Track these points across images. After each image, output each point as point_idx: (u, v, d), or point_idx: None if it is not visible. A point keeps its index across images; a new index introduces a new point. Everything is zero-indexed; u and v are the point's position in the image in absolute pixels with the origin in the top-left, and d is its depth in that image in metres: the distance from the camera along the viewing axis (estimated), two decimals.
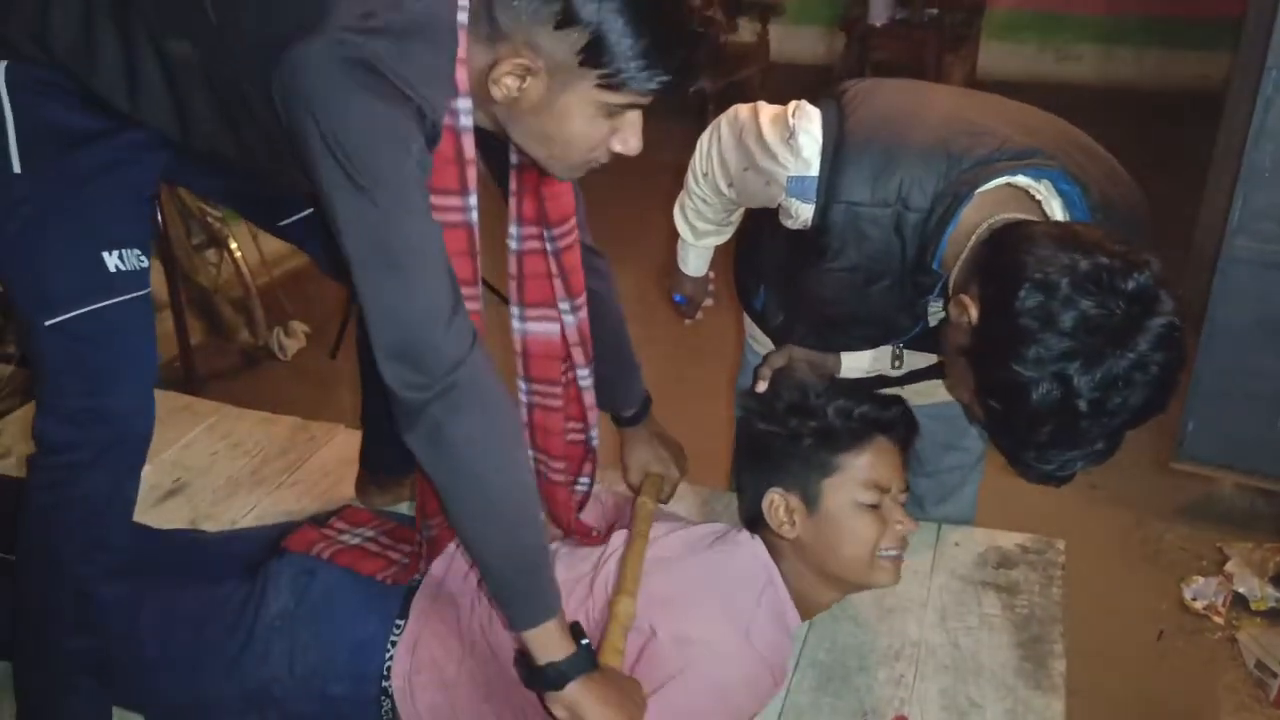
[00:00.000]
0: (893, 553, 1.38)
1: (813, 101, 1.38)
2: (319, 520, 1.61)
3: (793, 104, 1.39)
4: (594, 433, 1.55)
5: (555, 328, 1.45)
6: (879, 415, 1.41)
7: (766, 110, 1.41)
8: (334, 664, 1.40)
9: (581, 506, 1.59)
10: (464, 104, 1.15)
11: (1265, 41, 2.33)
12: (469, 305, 1.22)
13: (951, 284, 1.26)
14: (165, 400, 1.36)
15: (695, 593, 1.37)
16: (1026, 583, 1.66)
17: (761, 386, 1.52)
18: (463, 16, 1.10)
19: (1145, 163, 1.63)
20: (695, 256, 1.74)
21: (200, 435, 2.08)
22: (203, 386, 3.16)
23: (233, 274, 3.45)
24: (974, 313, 1.17)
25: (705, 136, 1.51)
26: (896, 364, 1.52)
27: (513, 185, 1.37)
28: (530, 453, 1.52)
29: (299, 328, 3.60)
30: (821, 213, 1.33)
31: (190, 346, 3.24)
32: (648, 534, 1.47)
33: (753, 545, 1.43)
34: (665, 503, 1.69)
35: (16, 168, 1.23)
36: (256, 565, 1.49)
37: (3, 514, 1.52)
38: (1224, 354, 2.52)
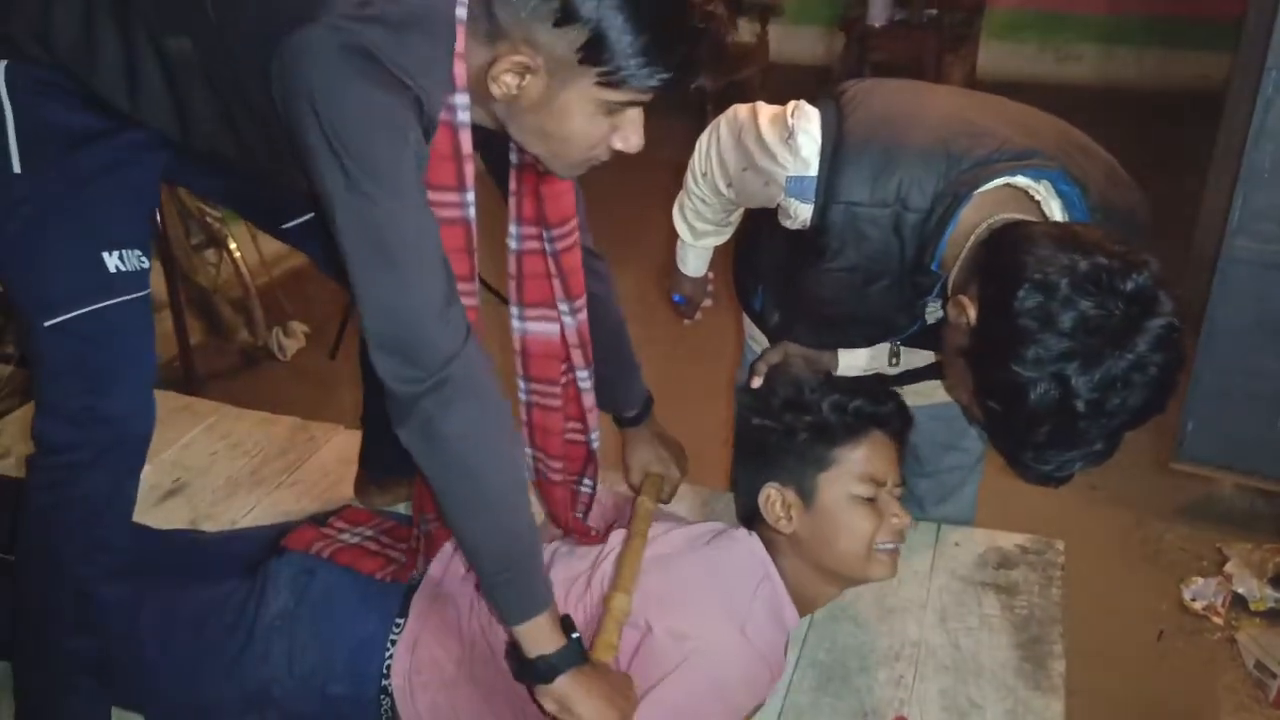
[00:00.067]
0: (889, 546, 1.39)
1: (812, 102, 1.38)
2: (319, 520, 1.61)
3: (792, 104, 1.39)
4: (595, 435, 1.55)
5: (554, 328, 1.45)
6: (874, 409, 1.42)
7: (765, 110, 1.41)
8: (334, 663, 1.40)
9: (587, 509, 1.59)
10: (461, 100, 1.14)
11: (1265, 42, 2.33)
12: (466, 302, 1.21)
13: (950, 285, 1.26)
14: (165, 400, 1.36)
15: (692, 589, 1.38)
16: (1026, 583, 1.66)
17: (756, 382, 1.52)
18: (461, 12, 1.10)
19: (1145, 163, 1.63)
20: (694, 257, 1.73)
21: (200, 435, 2.08)
22: (202, 386, 3.16)
23: (232, 274, 3.45)
24: (972, 313, 1.17)
25: (704, 137, 1.51)
26: (894, 361, 1.52)
27: (512, 185, 1.37)
28: (529, 451, 1.52)
29: (298, 328, 3.60)
30: (820, 213, 1.33)
31: (189, 346, 3.24)
32: (646, 533, 1.47)
33: (750, 542, 1.43)
34: (666, 503, 1.69)
35: (17, 168, 1.23)
36: (256, 565, 1.49)
37: (2, 514, 1.52)
38: (1224, 354, 2.52)
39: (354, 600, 1.44)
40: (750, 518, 1.48)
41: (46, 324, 1.26)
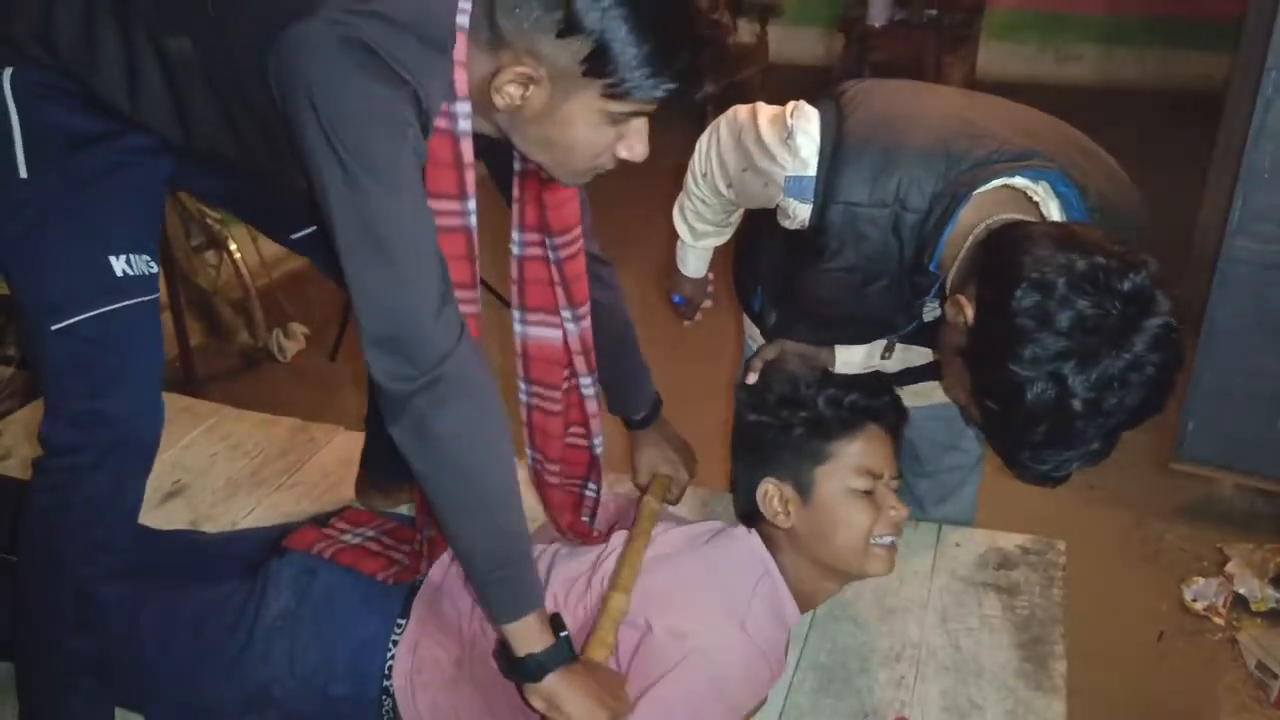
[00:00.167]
0: (887, 540, 1.39)
1: (811, 102, 1.38)
2: (320, 520, 1.61)
3: (791, 104, 1.39)
4: (598, 440, 1.55)
5: (556, 334, 1.45)
6: (868, 403, 1.43)
7: (765, 111, 1.41)
8: (335, 664, 1.40)
9: (592, 513, 1.59)
10: (463, 108, 1.13)
11: (1265, 42, 2.33)
12: (467, 309, 1.21)
13: (949, 285, 1.26)
14: (164, 401, 1.36)
15: (691, 587, 1.38)
16: (1027, 584, 1.66)
17: (752, 378, 1.52)
18: (462, 19, 1.09)
19: (1145, 163, 1.64)
20: (694, 257, 1.74)
21: (200, 437, 2.08)
22: (202, 388, 3.17)
23: (232, 275, 3.45)
24: (970, 312, 1.17)
25: (704, 138, 1.51)
26: (887, 355, 1.52)
27: (515, 192, 1.37)
28: (529, 452, 1.52)
29: (298, 329, 3.60)
30: (819, 213, 1.33)
31: (189, 348, 3.25)
32: (649, 533, 1.47)
33: (749, 539, 1.44)
34: (674, 504, 1.70)
35: (23, 172, 1.23)
36: (257, 565, 1.49)
37: (3, 515, 1.52)
38: (1224, 354, 2.52)
39: (355, 601, 1.44)
40: (749, 515, 1.48)
41: (53, 328, 1.26)
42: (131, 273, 1.28)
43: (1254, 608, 2.41)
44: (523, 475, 1.61)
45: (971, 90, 1.54)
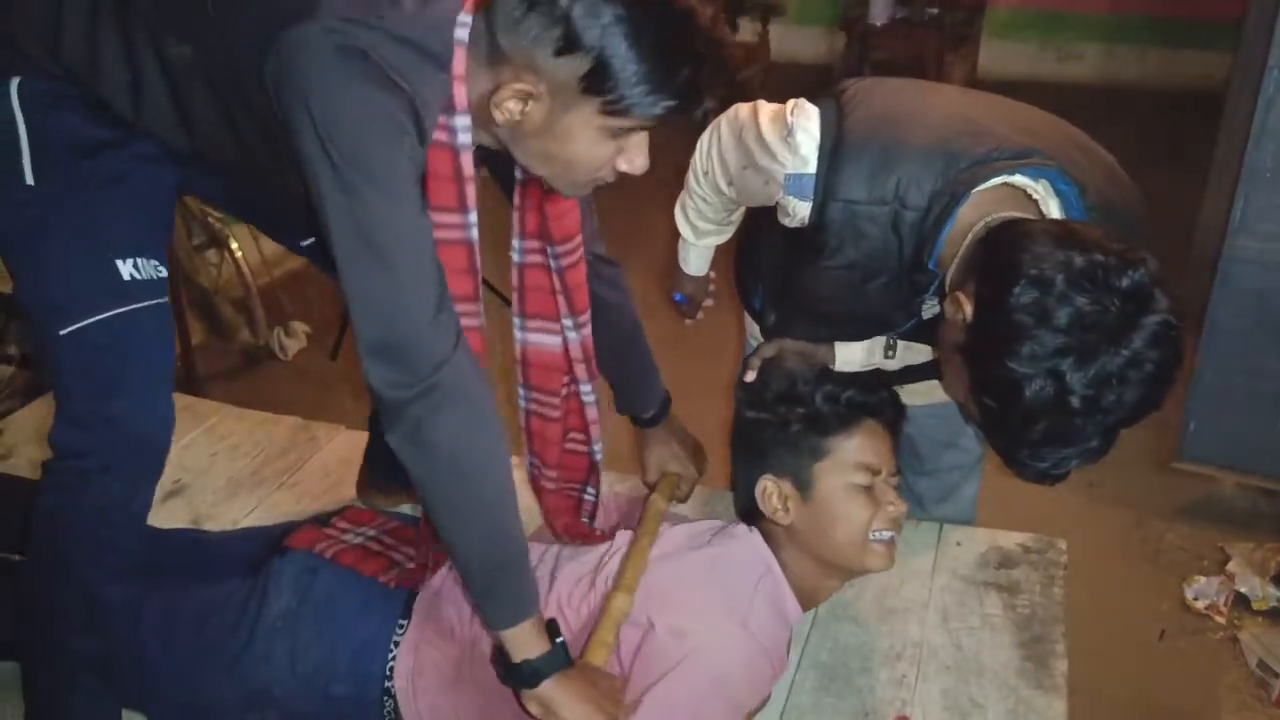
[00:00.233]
0: (886, 535, 1.40)
1: (812, 100, 1.38)
2: (321, 520, 1.61)
3: (791, 102, 1.39)
4: (598, 446, 1.55)
5: (556, 340, 1.45)
6: (866, 399, 1.43)
7: (766, 109, 1.41)
8: (336, 664, 1.40)
9: (591, 516, 1.60)
10: (462, 121, 1.13)
11: (1266, 41, 2.33)
12: (470, 321, 1.22)
13: (948, 282, 1.26)
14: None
15: (693, 585, 1.38)
16: (1028, 583, 1.66)
17: (750, 376, 1.52)
18: (461, 33, 1.09)
19: (1147, 162, 1.64)
20: (696, 256, 1.74)
21: (200, 436, 2.08)
22: (203, 387, 3.16)
23: (233, 274, 3.45)
24: (969, 309, 1.17)
25: (706, 136, 1.51)
26: (889, 354, 1.52)
27: (517, 200, 1.37)
28: (527, 457, 1.52)
29: (299, 328, 3.60)
30: (819, 210, 1.33)
31: (191, 347, 3.25)
32: (655, 533, 1.48)
33: (750, 537, 1.44)
34: (684, 501, 1.70)
35: (30, 179, 1.24)
36: (258, 564, 1.49)
37: (5, 514, 1.52)
38: (1225, 354, 2.51)
39: (357, 601, 1.44)
40: (749, 513, 1.48)
41: (61, 332, 1.26)
42: (139, 277, 1.28)
43: (1255, 606, 2.41)
44: (521, 477, 1.62)
45: (972, 89, 1.54)
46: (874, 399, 1.44)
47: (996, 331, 1.11)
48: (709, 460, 1.74)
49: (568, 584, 1.43)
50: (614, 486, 1.81)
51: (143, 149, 1.27)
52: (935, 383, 1.53)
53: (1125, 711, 2.17)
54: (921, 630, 1.58)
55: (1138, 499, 2.77)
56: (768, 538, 1.44)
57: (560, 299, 1.42)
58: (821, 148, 1.32)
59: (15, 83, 1.22)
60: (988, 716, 1.43)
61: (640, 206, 2.37)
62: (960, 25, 5.46)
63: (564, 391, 1.49)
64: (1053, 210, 1.26)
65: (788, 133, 1.35)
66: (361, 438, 1.84)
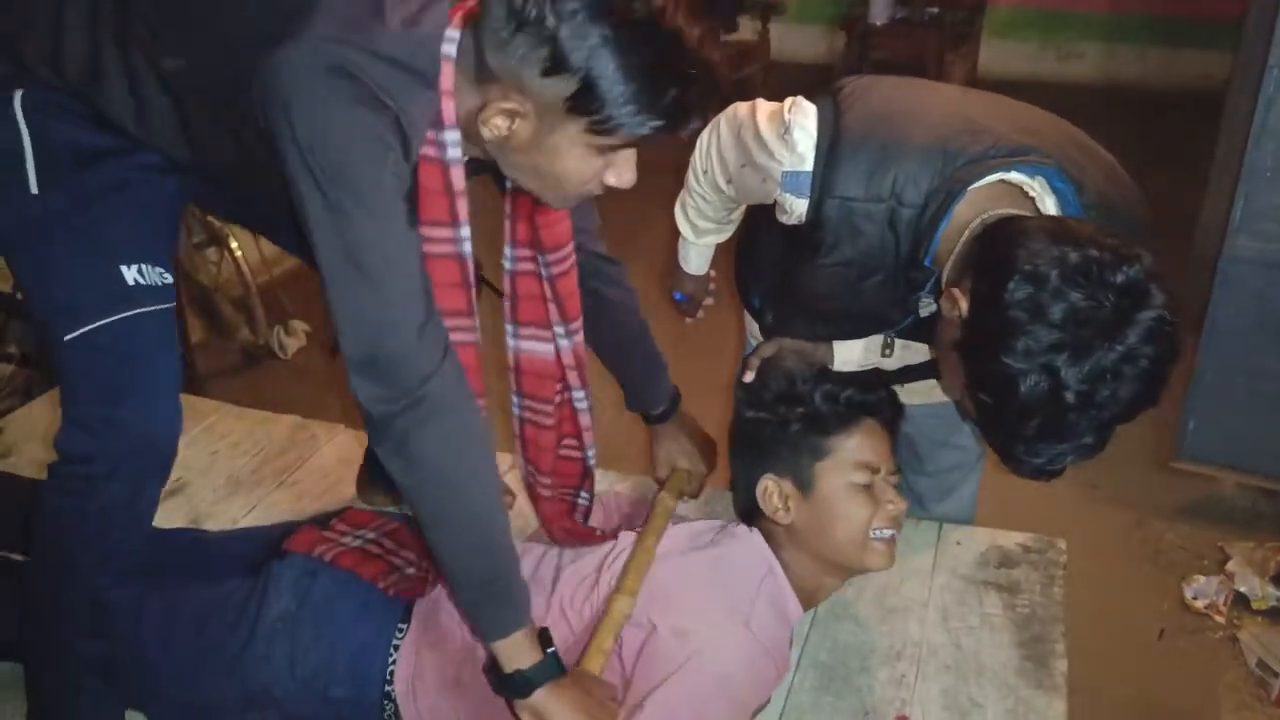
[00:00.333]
0: (886, 534, 1.40)
1: (810, 98, 1.38)
2: (320, 522, 1.60)
3: (789, 100, 1.39)
4: (591, 451, 1.55)
5: (549, 348, 1.45)
6: (864, 398, 1.44)
7: (764, 107, 1.42)
8: (335, 666, 1.40)
9: (585, 517, 1.60)
10: (451, 136, 1.14)
11: (1266, 40, 2.33)
12: (464, 336, 1.22)
13: (944, 279, 1.26)
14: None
15: (695, 586, 1.38)
16: (1028, 582, 1.66)
17: (749, 376, 1.53)
18: (449, 48, 1.09)
19: (1147, 162, 1.64)
20: (696, 255, 1.74)
21: (200, 435, 2.08)
22: (203, 385, 3.16)
23: (233, 272, 3.44)
24: (964, 306, 1.17)
25: (705, 135, 1.51)
26: (887, 352, 1.52)
27: (507, 208, 1.38)
28: (521, 464, 1.52)
29: (299, 326, 3.60)
30: (815, 207, 1.33)
31: (190, 345, 3.24)
32: (662, 531, 1.48)
33: (752, 537, 1.44)
34: (695, 497, 1.71)
35: (35, 188, 1.24)
36: (258, 565, 1.49)
37: (6, 513, 1.52)
38: (1225, 353, 2.51)
39: (356, 605, 1.44)
40: (749, 512, 1.48)
41: (67, 337, 1.26)
42: (144, 282, 1.29)
43: (1255, 606, 2.41)
44: (518, 479, 1.62)
45: (972, 88, 1.54)
46: (872, 398, 1.45)
47: (991, 327, 1.11)
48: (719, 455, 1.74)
49: (570, 585, 1.43)
50: (615, 486, 1.81)
51: (145, 159, 1.28)
52: (934, 382, 1.53)
53: (1125, 711, 2.17)
54: (921, 629, 1.58)
55: (1137, 499, 2.77)
56: (768, 537, 1.44)
57: (552, 307, 1.42)
58: (818, 145, 1.33)
59: (19, 95, 1.23)
60: (987, 716, 1.43)
61: (640, 206, 2.37)
62: (960, 24, 5.47)
63: (557, 399, 1.49)
64: (1049, 207, 1.26)
65: (785, 130, 1.35)
66: (361, 437, 1.84)
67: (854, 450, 1.41)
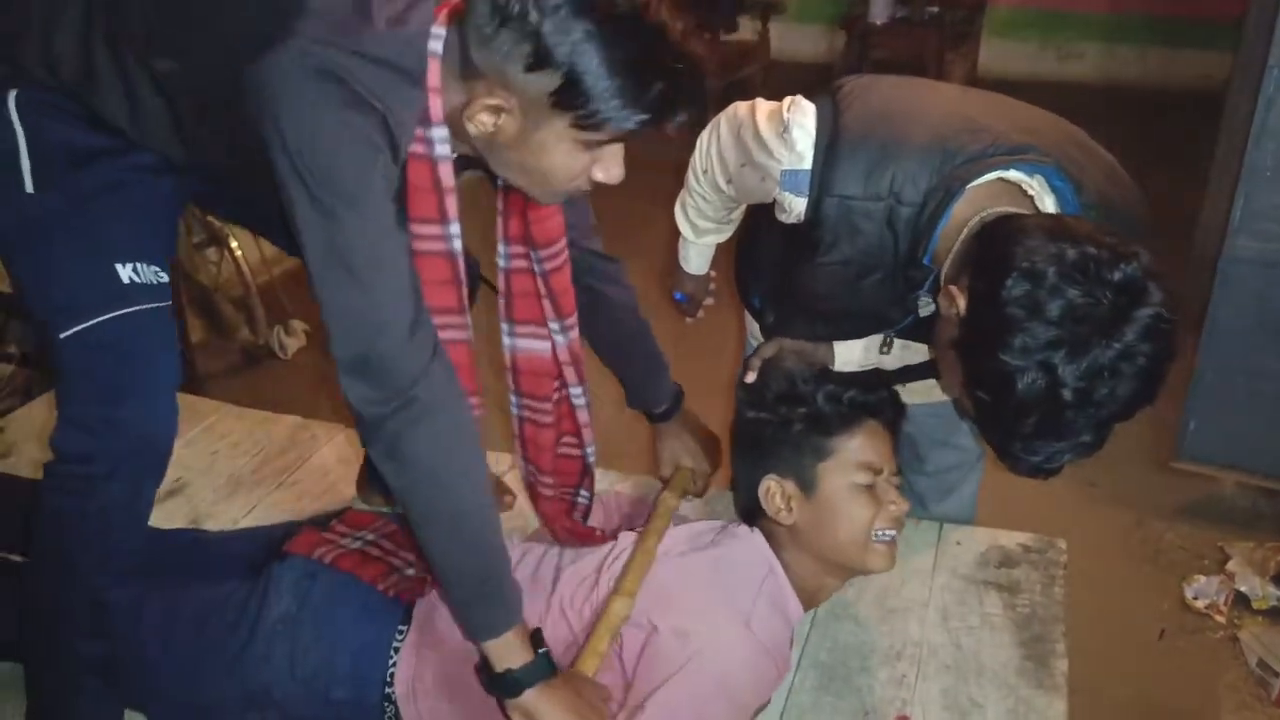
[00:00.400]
0: (888, 535, 1.40)
1: (809, 97, 1.38)
2: (320, 523, 1.60)
3: (788, 99, 1.39)
4: (590, 449, 1.55)
5: (545, 345, 1.45)
6: (867, 398, 1.44)
7: (763, 107, 1.42)
8: (335, 668, 1.40)
9: (585, 516, 1.60)
10: (439, 133, 1.14)
11: (1266, 40, 2.33)
12: (456, 334, 1.22)
13: (943, 278, 1.26)
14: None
15: (696, 586, 1.38)
16: (1028, 582, 1.66)
17: (750, 377, 1.53)
18: (435, 45, 1.09)
19: (1147, 161, 1.64)
20: (696, 254, 1.74)
21: (200, 435, 2.08)
22: (203, 385, 3.16)
23: (233, 272, 3.44)
24: (962, 303, 1.17)
25: (705, 134, 1.52)
26: (885, 350, 1.52)
27: (499, 205, 1.38)
28: (521, 463, 1.52)
29: (299, 326, 3.60)
30: (814, 206, 1.33)
31: (190, 345, 3.24)
32: (663, 530, 1.48)
33: (753, 537, 1.44)
34: (699, 495, 1.71)
35: (30, 188, 1.25)
36: (258, 565, 1.49)
37: (5, 513, 1.52)
38: (1225, 353, 2.51)
39: (356, 606, 1.44)
40: (750, 512, 1.48)
41: (63, 335, 1.27)
42: (139, 280, 1.29)
43: (1255, 606, 2.41)
44: (518, 479, 1.62)
45: (972, 88, 1.53)
46: (874, 398, 1.45)
47: (989, 325, 1.11)
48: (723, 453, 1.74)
49: (570, 586, 1.43)
50: (615, 485, 1.81)
51: (140, 159, 1.28)
52: (934, 382, 1.53)
53: (1125, 711, 2.17)
54: (921, 629, 1.58)
55: (1138, 499, 2.77)
56: (769, 538, 1.44)
57: (546, 303, 1.42)
58: (817, 144, 1.33)
59: (13, 95, 1.23)
60: (987, 716, 1.43)
61: (640, 205, 2.37)
62: (960, 24, 5.47)
63: (555, 396, 1.49)
64: (1048, 206, 1.26)
65: (784, 129, 1.35)
66: None
67: (857, 451, 1.41)
